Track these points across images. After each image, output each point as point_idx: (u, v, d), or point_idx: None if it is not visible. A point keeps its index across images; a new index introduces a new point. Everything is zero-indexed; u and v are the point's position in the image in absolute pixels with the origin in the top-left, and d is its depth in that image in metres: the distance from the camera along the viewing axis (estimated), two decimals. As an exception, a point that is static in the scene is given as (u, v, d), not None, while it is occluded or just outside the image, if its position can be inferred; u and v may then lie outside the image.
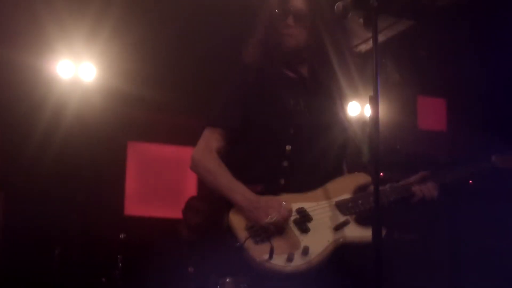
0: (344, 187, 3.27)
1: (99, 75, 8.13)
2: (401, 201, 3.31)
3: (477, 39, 7.69)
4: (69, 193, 8.48)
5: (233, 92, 3.41)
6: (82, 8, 7.05)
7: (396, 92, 8.25)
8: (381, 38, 2.68)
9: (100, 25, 7.27)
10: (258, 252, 3.00)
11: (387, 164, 3.22)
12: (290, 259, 2.99)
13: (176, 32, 7.53)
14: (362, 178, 3.31)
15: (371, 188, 3.18)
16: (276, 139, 3.27)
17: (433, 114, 9.39)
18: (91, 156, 8.70)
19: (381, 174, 2.86)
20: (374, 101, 2.71)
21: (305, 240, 3.05)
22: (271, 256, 2.96)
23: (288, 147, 3.24)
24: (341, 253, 3.11)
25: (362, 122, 3.16)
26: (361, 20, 2.88)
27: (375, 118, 2.71)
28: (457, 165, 3.42)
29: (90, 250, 8.07)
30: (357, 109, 8.97)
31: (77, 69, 8.03)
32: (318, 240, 3.06)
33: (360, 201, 3.21)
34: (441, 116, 9.39)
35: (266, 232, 3.02)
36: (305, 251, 3.00)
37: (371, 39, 2.79)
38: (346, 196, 3.23)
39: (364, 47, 8.48)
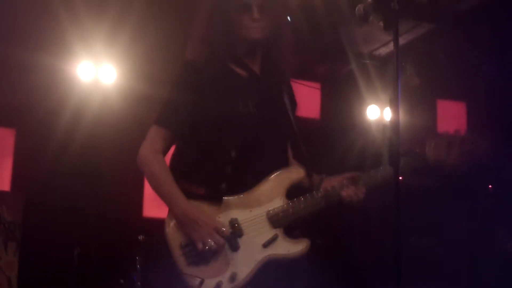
0: (276, 187, 3.24)
1: (119, 77, 8.15)
2: (332, 206, 3.27)
3: (497, 42, 7.66)
4: (88, 194, 8.50)
5: (180, 92, 3.32)
6: (102, 10, 7.08)
7: (416, 95, 8.23)
8: (401, 41, 2.68)
9: (120, 27, 7.29)
10: (189, 276, 3.07)
11: (406, 168, 3.19)
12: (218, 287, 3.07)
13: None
14: (294, 174, 3.30)
15: (304, 184, 3.31)
16: (221, 144, 3.22)
17: (453, 117, 9.36)
18: (110, 158, 8.72)
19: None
20: (394, 105, 2.70)
21: (234, 261, 3.10)
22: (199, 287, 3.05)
23: (232, 153, 3.19)
24: (272, 265, 3.14)
25: (382, 126, 3.15)
26: (381, 24, 2.88)
27: (395, 122, 2.70)
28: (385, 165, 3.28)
29: (108, 251, 8.09)
30: (377, 112, 8.97)
31: (97, 71, 8.05)
32: (246, 261, 3.11)
33: (290, 210, 3.20)
34: (461, 120, 9.35)
35: (199, 254, 3.08)
36: (233, 277, 3.07)
37: (391, 43, 2.78)
38: (278, 201, 3.21)
39: (383, 51, 8.50)
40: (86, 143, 8.42)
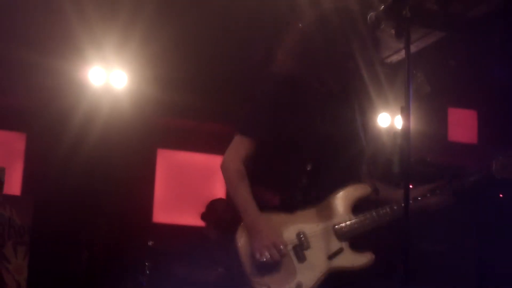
0: (343, 202, 3.35)
1: (130, 83, 8.17)
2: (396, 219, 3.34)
3: (508, 50, 7.64)
4: (98, 199, 8.53)
5: (266, 102, 3.41)
6: (113, 16, 7.11)
7: (427, 103, 8.21)
8: (412, 49, 2.69)
9: (131, 33, 7.32)
10: (257, 283, 3.18)
11: (417, 175, 3.20)
12: None
13: (207, 38, 7.56)
14: (359, 191, 3.40)
15: (372, 198, 3.40)
16: (298, 156, 3.34)
17: (463, 126, 9.35)
18: (121, 163, 8.75)
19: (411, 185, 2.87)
20: (405, 112, 2.70)
21: (300, 272, 3.21)
22: None
23: (308, 166, 3.32)
24: (336, 276, 3.24)
25: (393, 133, 3.15)
26: (392, 31, 2.88)
27: (406, 129, 2.70)
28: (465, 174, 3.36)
29: (117, 256, 8.11)
30: (387, 120, 8.95)
31: (108, 76, 8.07)
32: (312, 271, 3.22)
33: (355, 225, 3.30)
34: (471, 128, 9.34)
35: (266, 263, 3.18)
36: (298, 286, 3.18)
37: (403, 50, 2.78)
38: (344, 216, 3.31)
39: (395, 58, 8.47)
40: (96, 148, 8.45)
